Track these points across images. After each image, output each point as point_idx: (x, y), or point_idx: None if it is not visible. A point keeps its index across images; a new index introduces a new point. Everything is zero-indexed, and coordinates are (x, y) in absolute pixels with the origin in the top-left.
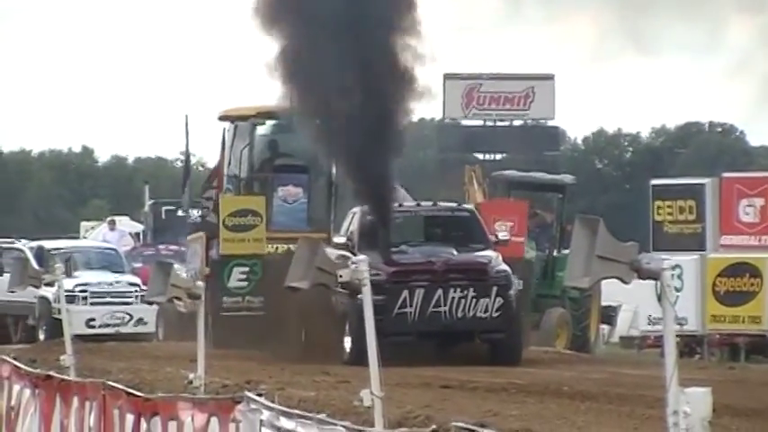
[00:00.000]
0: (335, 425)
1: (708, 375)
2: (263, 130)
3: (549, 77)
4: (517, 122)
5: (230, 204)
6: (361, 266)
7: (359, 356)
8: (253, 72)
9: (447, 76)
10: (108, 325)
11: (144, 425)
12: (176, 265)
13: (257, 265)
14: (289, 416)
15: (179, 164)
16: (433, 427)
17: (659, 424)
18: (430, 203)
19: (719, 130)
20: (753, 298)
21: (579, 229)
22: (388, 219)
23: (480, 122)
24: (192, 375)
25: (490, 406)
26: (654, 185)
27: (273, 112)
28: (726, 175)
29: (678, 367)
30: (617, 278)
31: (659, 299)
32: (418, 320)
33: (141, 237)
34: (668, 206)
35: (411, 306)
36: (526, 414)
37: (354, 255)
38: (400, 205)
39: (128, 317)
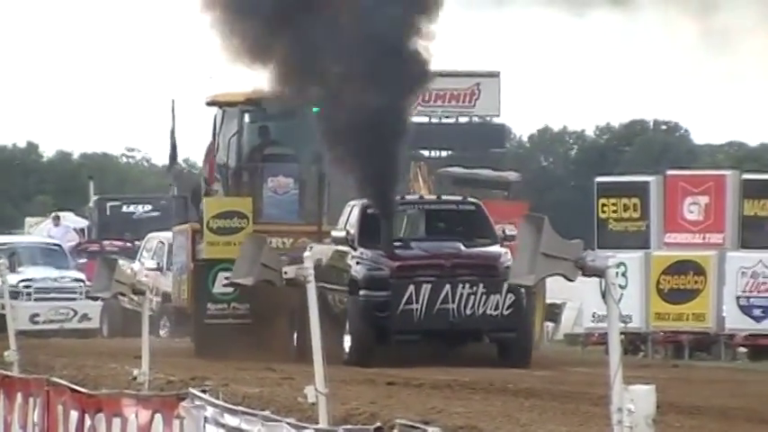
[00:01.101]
0: (280, 421)
1: (652, 373)
2: (252, 116)
3: (495, 75)
4: (463, 119)
5: (215, 206)
6: (307, 263)
7: (360, 356)
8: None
9: None
10: (52, 321)
11: (88, 421)
12: (121, 261)
13: None
14: (233, 412)
15: (124, 159)
16: (378, 424)
17: (603, 421)
18: (434, 196)
19: (664, 128)
20: (697, 296)
21: (524, 227)
22: (390, 211)
23: (426, 119)
24: (136, 372)
25: (435, 403)
26: (599, 183)
27: (264, 98)
28: (670, 172)
29: (622, 365)
30: (562, 275)
31: (604, 296)
32: (425, 318)
33: (86, 232)
34: (613, 204)
35: (417, 302)
36: (471, 411)
37: (354, 249)
38: (402, 198)
39: (72, 313)
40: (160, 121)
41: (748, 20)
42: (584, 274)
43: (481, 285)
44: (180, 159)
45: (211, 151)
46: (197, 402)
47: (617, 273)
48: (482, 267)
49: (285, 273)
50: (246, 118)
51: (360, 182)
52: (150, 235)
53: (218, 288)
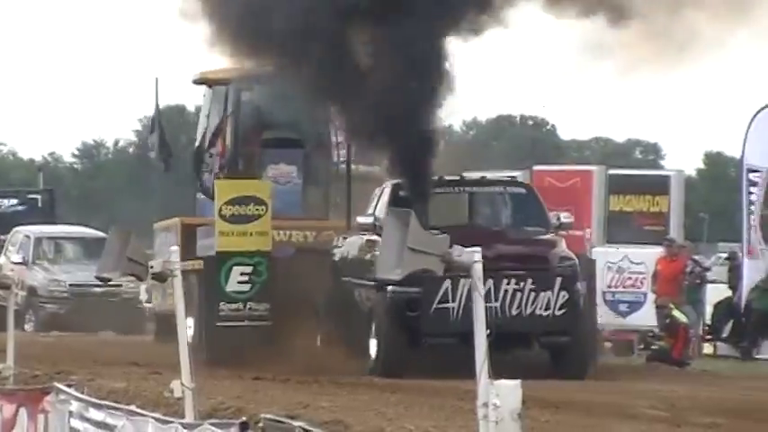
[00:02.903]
0: (145, 416)
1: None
2: (247, 95)
3: None
4: None
5: (228, 190)
6: (173, 256)
7: (387, 363)
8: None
9: None
10: None
11: None
12: None
13: (262, 264)
14: (98, 407)
15: None
16: (243, 418)
17: (469, 416)
18: (477, 176)
19: (531, 123)
20: None
21: (391, 222)
22: (426, 193)
23: None
24: (1, 366)
25: (301, 398)
26: None
27: (261, 74)
28: (537, 168)
29: (489, 360)
30: (429, 270)
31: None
32: (462, 318)
33: None
34: None
35: (454, 300)
36: (337, 406)
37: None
38: (440, 178)
39: None
40: (28, 112)
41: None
42: (449, 269)
43: (529, 281)
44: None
45: (221, 130)
46: (61, 397)
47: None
48: (531, 259)
49: (152, 267)
50: (241, 97)
51: (391, 160)
52: (16, 229)
53: (232, 286)
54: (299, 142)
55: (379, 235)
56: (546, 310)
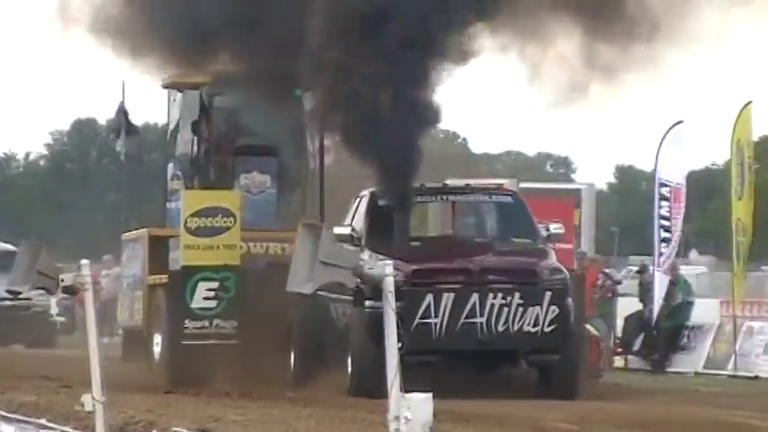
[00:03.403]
0: (56, 430)
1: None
2: (220, 100)
3: None
4: None
5: (194, 200)
6: (84, 270)
7: (363, 383)
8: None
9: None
10: None
11: None
12: None
13: (230, 279)
14: (8, 420)
15: None
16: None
17: (381, 429)
18: (461, 183)
19: (442, 136)
20: None
21: (302, 235)
22: (407, 202)
23: None
24: None
25: (212, 411)
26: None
27: (234, 78)
28: (449, 182)
29: (401, 373)
30: (340, 283)
31: None
32: (446, 335)
33: None
34: None
35: (437, 316)
36: (248, 420)
37: (361, 249)
38: (422, 185)
39: None
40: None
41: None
42: (363, 283)
43: (517, 295)
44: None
45: (192, 137)
46: None
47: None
48: (518, 273)
49: (62, 280)
50: (213, 102)
51: (371, 164)
52: None
53: (197, 302)
54: (274, 150)
55: (357, 246)
56: (534, 326)
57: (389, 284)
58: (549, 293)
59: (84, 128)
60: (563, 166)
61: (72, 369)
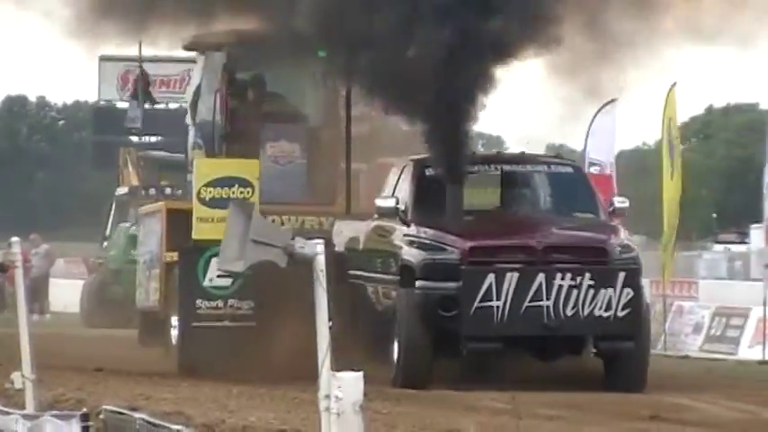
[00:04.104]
0: None
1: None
2: (245, 63)
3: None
4: (173, 105)
5: (209, 169)
6: (14, 247)
7: (414, 372)
8: None
9: (102, 58)
10: None
11: None
12: None
13: None
14: None
15: None
16: (84, 410)
17: (312, 408)
18: (515, 152)
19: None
20: None
21: (233, 214)
22: (462, 171)
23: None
24: None
25: (143, 389)
26: None
27: (260, 38)
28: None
29: (331, 352)
30: (271, 262)
31: None
32: (509, 319)
33: None
34: None
35: (499, 299)
36: (179, 398)
37: (407, 225)
38: (473, 154)
39: None
40: None
41: None
42: (293, 261)
43: (587, 276)
44: None
45: (215, 103)
46: None
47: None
48: (588, 251)
49: None
50: (237, 64)
51: (420, 130)
52: None
53: (210, 280)
54: (303, 116)
55: (403, 221)
56: (607, 310)
57: (320, 264)
58: (622, 274)
59: (14, 105)
60: (495, 146)
61: (1, 347)
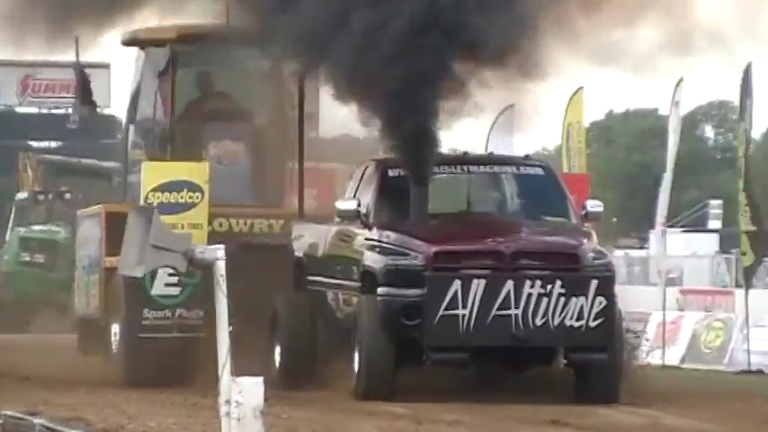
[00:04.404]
0: None
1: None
2: (188, 59)
3: (106, 66)
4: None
5: (156, 173)
6: None
7: (376, 383)
8: None
9: (1, 63)
10: None
11: None
12: None
13: None
14: None
15: None
16: None
17: (212, 413)
18: (484, 153)
19: None
20: None
21: (133, 219)
22: (427, 172)
23: (35, 110)
24: None
25: (41, 395)
26: None
27: (206, 33)
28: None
29: (232, 357)
30: (171, 267)
31: None
32: (475, 329)
33: None
34: None
35: (465, 307)
36: (78, 403)
37: (368, 228)
38: (439, 154)
39: None
40: None
41: None
42: (193, 266)
43: (558, 283)
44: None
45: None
46: None
47: None
48: (559, 257)
49: None
50: (180, 61)
51: (385, 130)
52: None
53: (158, 289)
54: (248, 116)
55: (365, 224)
56: (578, 320)
57: (220, 269)
58: (594, 282)
59: None
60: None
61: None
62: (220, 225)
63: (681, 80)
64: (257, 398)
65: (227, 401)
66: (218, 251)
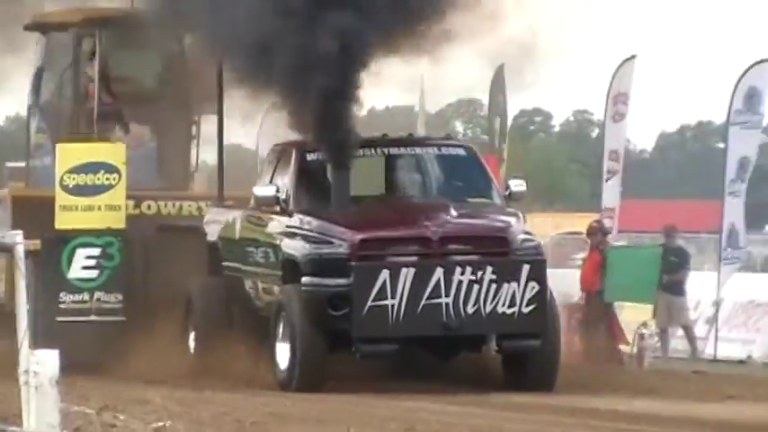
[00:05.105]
0: None
1: None
2: (92, 43)
3: None
4: None
5: (71, 154)
6: None
7: (306, 375)
8: None
9: None
10: None
11: None
12: None
13: (113, 245)
14: None
15: None
16: None
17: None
18: (403, 135)
19: None
20: None
21: None
22: (349, 155)
23: None
24: None
25: None
26: None
27: (110, 18)
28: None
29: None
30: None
31: None
32: (405, 319)
33: None
34: None
35: (394, 297)
36: None
37: (288, 215)
38: (358, 136)
39: None
40: None
41: None
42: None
43: (489, 269)
44: None
45: (59, 86)
46: None
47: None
48: (488, 241)
49: None
50: (84, 45)
51: (301, 110)
52: None
53: (75, 272)
54: (155, 99)
55: (284, 211)
56: (511, 306)
57: (20, 252)
58: (526, 267)
59: None
60: None
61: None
62: (149, 207)
63: None
64: (53, 368)
65: (26, 371)
66: (18, 236)
